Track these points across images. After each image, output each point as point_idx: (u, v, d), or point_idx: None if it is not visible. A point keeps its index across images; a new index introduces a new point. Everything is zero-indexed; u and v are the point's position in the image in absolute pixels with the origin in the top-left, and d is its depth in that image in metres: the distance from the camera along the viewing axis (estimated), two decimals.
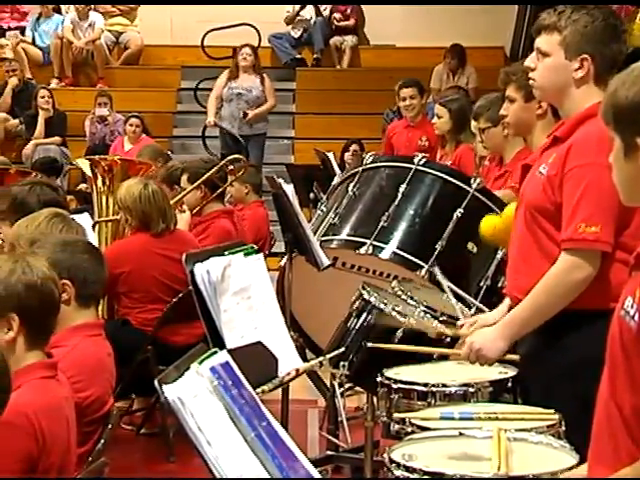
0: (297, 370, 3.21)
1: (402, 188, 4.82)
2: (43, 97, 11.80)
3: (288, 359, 3.55)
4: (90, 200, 6.52)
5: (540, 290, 3.20)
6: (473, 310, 4.19)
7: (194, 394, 2.24)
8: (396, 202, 4.80)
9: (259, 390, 2.82)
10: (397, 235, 4.76)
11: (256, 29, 12.66)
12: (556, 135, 3.36)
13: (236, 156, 7.85)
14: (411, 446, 2.84)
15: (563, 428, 2.93)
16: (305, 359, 4.26)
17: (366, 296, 3.91)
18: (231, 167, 7.22)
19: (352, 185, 5.05)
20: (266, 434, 2.24)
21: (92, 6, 13.26)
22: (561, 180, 3.22)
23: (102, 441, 3.41)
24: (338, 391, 5.35)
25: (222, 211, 6.77)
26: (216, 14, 12.90)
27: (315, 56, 13.45)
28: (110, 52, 13.49)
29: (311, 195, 8.59)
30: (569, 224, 3.18)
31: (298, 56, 13.45)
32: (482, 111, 5.32)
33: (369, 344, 3.64)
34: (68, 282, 3.47)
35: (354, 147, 10.22)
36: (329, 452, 5.20)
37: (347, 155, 10.16)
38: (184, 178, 6.66)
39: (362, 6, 13.57)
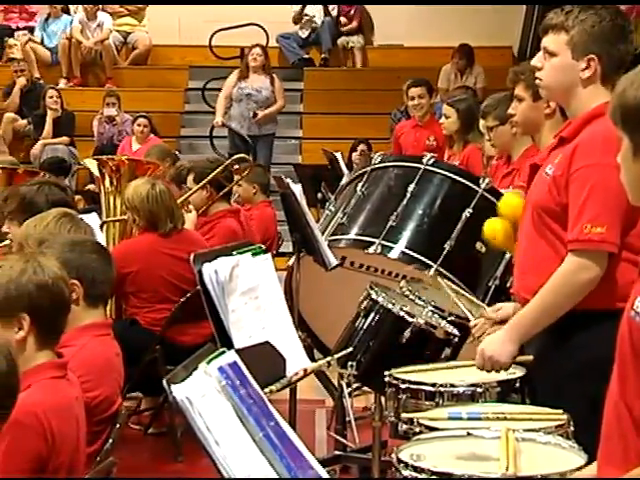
0: (305, 370, 3.21)
1: (411, 188, 4.82)
2: (51, 97, 11.81)
3: (296, 359, 3.55)
4: (98, 200, 6.52)
5: (547, 291, 3.19)
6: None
7: (202, 394, 2.24)
8: (405, 202, 4.80)
9: (267, 390, 2.82)
10: (406, 235, 4.76)
11: (264, 29, 12.66)
12: (562, 135, 3.36)
13: (242, 155, 7.85)
14: (419, 446, 2.84)
15: (572, 428, 2.93)
16: (313, 359, 4.26)
17: (374, 296, 3.91)
18: (237, 167, 7.23)
19: (360, 185, 5.05)
20: (274, 434, 2.24)
21: (100, 6, 13.28)
22: (567, 181, 3.22)
23: (110, 441, 3.41)
24: (346, 391, 5.35)
25: (228, 211, 6.76)
26: (224, 14, 12.90)
27: (323, 56, 13.45)
28: (118, 52, 13.50)
29: (319, 195, 8.60)
30: (575, 225, 3.17)
31: (306, 56, 13.45)
32: (490, 109, 5.32)
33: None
34: (76, 282, 3.48)
35: (362, 147, 10.22)
36: (337, 452, 5.20)
37: (355, 155, 10.16)
38: (190, 178, 6.66)
39: (370, 6, 13.57)
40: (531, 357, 3.30)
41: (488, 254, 4.64)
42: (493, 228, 3.89)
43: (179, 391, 2.22)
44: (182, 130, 12.85)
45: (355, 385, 5.25)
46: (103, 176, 6.35)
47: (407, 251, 4.73)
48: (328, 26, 13.36)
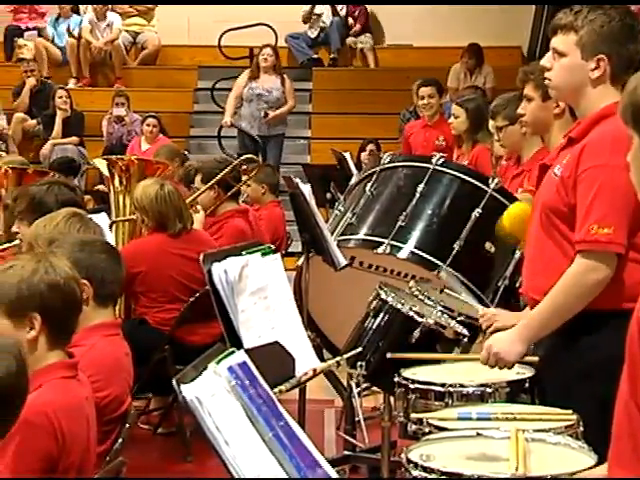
0: (314, 370, 3.21)
1: (420, 188, 4.82)
2: (61, 97, 11.83)
3: (305, 359, 3.54)
4: (107, 200, 6.53)
5: (557, 292, 3.19)
6: (492, 309, 4.17)
7: (212, 394, 2.24)
8: (414, 202, 4.80)
9: (276, 390, 2.82)
10: (415, 235, 4.76)
11: (273, 29, 12.67)
12: (571, 136, 3.35)
13: (249, 156, 7.86)
14: (429, 446, 2.84)
15: (581, 429, 2.93)
16: (322, 359, 4.26)
17: (383, 296, 3.90)
18: (245, 167, 7.23)
19: (370, 185, 5.05)
20: (284, 434, 2.24)
21: (110, 7, 13.30)
22: (575, 181, 3.21)
23: (120, 440, 3.42)
24: (355, 391, 5.35)
25: (236, 210, 6.77)
26: (233, 14, 12.91)
27: (332, 56, 13.45)
28: (127, 52, 13.53)
29: (328, 195, 8.61)
30: (582, 225, 3.17)
31: (315, 56, 13.45)
32: (499, 109, 5.31)
33: (388, 355, 3.62)
34: (86, 282, 3.48)
35: (371, 147, 10.21)
36: (346, 452, 5.21)
37: (364, 155, 10.16)
38: (198, 178, 6.67)
39: (379, 6, 13.56)
40: (537, 358, 3.30)
41: (497, 254, 4.64)
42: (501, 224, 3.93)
43: (189, 391, 2.22)
44: (191, 130, 12.87)
45: (364, 385, 5.25)
46: (112, 176, 6.37)
47: (416, 251, 4.73)
48: (337, 26, 13.36)
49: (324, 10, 13.46)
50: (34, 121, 12.26)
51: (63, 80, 12.95)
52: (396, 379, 3.41)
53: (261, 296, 3.59)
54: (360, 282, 4.71)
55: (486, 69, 12.05)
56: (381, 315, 3.88)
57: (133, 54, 13.66)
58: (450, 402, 3.26)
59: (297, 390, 4.12)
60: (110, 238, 5.62)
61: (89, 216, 4.34)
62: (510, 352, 3.24)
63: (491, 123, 5.52)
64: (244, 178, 7.15)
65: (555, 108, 4.25)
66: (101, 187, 9.69)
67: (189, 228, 5.88)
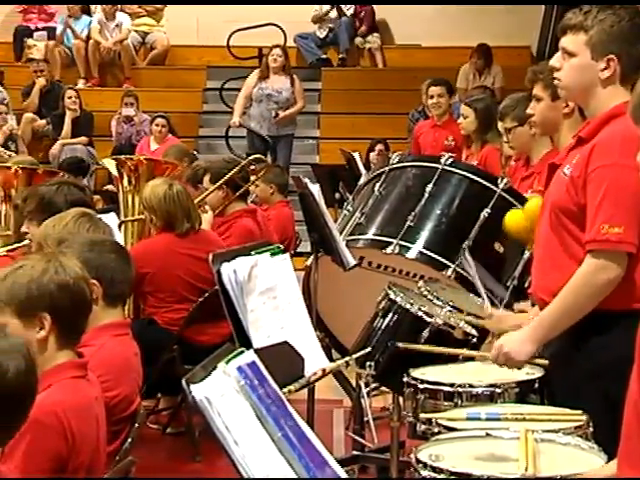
0: (323, 370, 3.22)
1: (429, 188, 4.82)
2: (70, 97, 11.85)
3: (314, 359, 3.54)
4: (116, 200, 6.54)
5: (568, 292, 3.18)
6: (501, 309, 4.17)
7: (221, 393, 2.24)
8: (422, 202, 4.80)
9: (286, 390, 2.82)
10: (424, 235, 4.76)
11: (282, 29, 12.67)
12: (581, 135, 3.35)
13: (258, 156, 7.86)
14: (438, 446, 2.84)
15: (591, 429, 2.92)
16: (331, 359, 4.26)
17: (392, 296, 3.90)
18: (253, 167, 7.23)
19: (378, 185, 5.05)
20: (293, 434, 2.24)
21: (119, 7, 13.31)
22: (584, 181, 3.21)
23: (129, 440, 3.42)
24: (364, 391, 5.35)
25: (245, 210, 6.77)
26: (242, 14, 12.91)
27: (340, 56, 13.45)
28: (136, 52, 13.55)
29: (336, 195, 8.62)
30: (592, 225, 3.16)
31: (323, 56, 13.45)
32: (508, 110, 5.30)
33: (399, 344, 3.63)
34: (96, 282, 3.49)
35: (379, 147, 10.21)
36: (355, 452, 5.20)
37: (372, 155, 10.16)
38: (206, 178, 6.68)
39: (387, 6, 13.55)
40: (546, 361, 3.30)
41: (506, 254, 4.64)
42: (514, 218, 3.93)
43: (198, 391, 2.22)
44: (200, 130, 12.88)
45: (373, 385, 5.25)
46: (121, 176, 6.37)
47: (425, 251, 4.73)
48: (346, 26, 13.36)
49: (333, 10, 13.47)
50: (43, 121, 12.28)
51: (73, 80, 12.98)
52: (405, 379, 3.41)
53: (270, 296, 3.59)
54: (369, 282, 4.71)
55: (495, 69, 12.04)
56: (390, 315, 3.88)
57: (142, 54, 13.67)
58: (459, 402, 3.26)
59: (306, 390, 4.12)
60: (119, 238, 5.63)
61: (98, 216, 4.34)
62: (520, 352, 3.24)
63: (500, 124, 5.51)
64: (252, 178, 7.15)
65: (564, 108, 4.24)
66: (110, 187, 9.70)
67: (197, 228, 5.89)
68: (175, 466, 5.67)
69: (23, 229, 4.70)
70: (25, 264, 3.03)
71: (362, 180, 5.54)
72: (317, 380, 3.23)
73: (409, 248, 4.74)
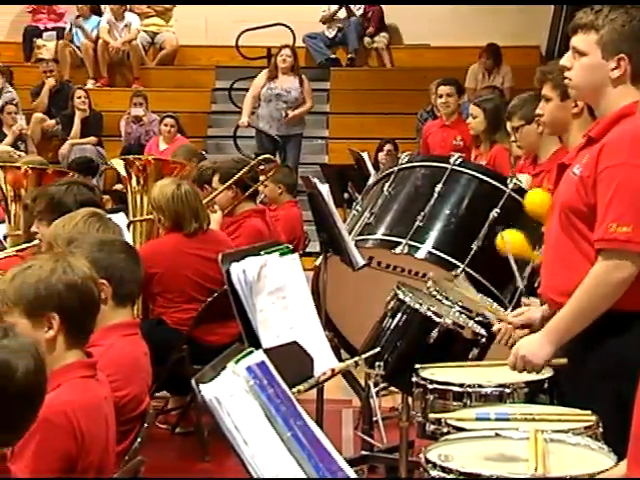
0: (332, 370, 3.21)
1: (438, 188, 4.81)
2: (79, 97, 11.87)
3: (323, 359, 3.54)
4: (125, 200, 6.55)
5: (582, 293, 3.17)
6: (508, 311, 4.17)
7: (230, 393, 2.24)
8: (432, 202, 4.80)
9: (295, 390, 2.82)
10: (433, 235, 4.76)
11: (291, 29, 12.67)
12: (590, 135, 3.34)
13: (267, 156, 7.85)
14: (447, 447, 2.83)
15: (601, 429, 2.91)
16: (340, 359, 4.26)
17: (401, 296, 3.90)
18: (262, 167, 7.23)
19: (387, 185, 5.05)
20: (302, 434, 2.24)
21: (128, 7, 13.33)
22: (594, 181, 3.20)
23: (138, 440, 3.42)
24: (373, 391, 5.35)
25: (253, 210, 6.77)
26: (251, 14, 12.92)
27: (349, 56, 13.44)
28: (145, 52, 13.56)
29: (345, 195, 8.61)
30: (601, 224, 3.16)
31: (332, 56, 13.45)
32: (515, 110, 5.29)
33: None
34: (105, 281, 3.49)
35: (388, 147, 10.20)
36: (364, 452, 5.21)
37: (381, 155, 10.15)
38: (215, 178, 6.68)
39: (396, 6, 13.54)
40: (565, 360, 3.27)
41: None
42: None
43: (208, 391, 2.22)
44: (209, 130, 12.88)
45: (382, 385, 5.25)
46: (130, 176, 6.38)
47: (434, 251, 4.73)
48: (354, 26, 13.35)
49: (342, 10, 13.47)
50: (53, 121, 12.31)
51: (83, 80, 13.00)
52: (414, 379, 3.40)
53: (279, 296, 3.59)
54: (378, 282, 4.70)
55: (504, 69, 12.03)
56: (399, 315, 3.88)
57: (151, 54, 13.69)
58: (468, 402, 3.26)
59: (315, 390, 4.12)
60: (128, 238, 5.63)
61: (108, 216, 4.35)
62: (538, 355, 3.22)
63: (507, 124, 5.50)
64: (261, 178, 7.15)
65: (574, 108, 4.23)
66: (119, 187, 9.71)
67: (205, 228, 5.89)
68: (184, 466, 5.67)
69: (33, 229, 4.71)
70: (33, 264, 3.03)
71: (371, 180, 5.54)
72: (326, 380, 3.23)
73: (418, 248, 4.74)
